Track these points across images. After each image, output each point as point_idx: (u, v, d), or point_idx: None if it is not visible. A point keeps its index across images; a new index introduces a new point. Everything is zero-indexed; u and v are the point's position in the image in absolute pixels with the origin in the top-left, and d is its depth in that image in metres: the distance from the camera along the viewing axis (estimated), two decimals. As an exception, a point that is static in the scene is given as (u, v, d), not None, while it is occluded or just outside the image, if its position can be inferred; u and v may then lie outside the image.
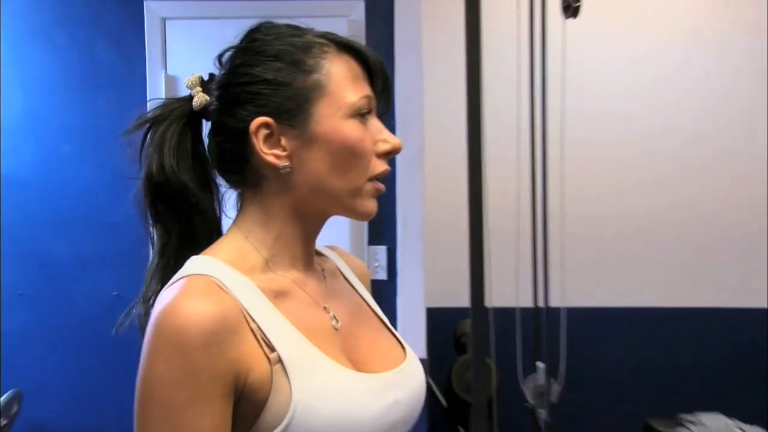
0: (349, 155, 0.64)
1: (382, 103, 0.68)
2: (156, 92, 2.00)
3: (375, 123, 0.67)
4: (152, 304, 0.63)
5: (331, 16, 1.88)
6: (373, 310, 0.76)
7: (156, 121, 0.67)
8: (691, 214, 2.45)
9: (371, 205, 0.67)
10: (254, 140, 0.64)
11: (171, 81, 2.02)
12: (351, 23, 1.91)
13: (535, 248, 1.66)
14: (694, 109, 2.47)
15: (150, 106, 0.69)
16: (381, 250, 1.95)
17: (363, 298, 0.77)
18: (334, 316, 0.68)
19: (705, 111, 2.48)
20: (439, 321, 2.13)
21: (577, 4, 1.59)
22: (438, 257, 2.09)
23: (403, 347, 0.73)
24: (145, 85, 2.01)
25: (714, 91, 2.50)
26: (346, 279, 0.77)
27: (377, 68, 0.67)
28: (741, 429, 1.82)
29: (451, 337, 2.44)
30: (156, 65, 2.02)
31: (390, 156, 0.67)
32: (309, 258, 0.69)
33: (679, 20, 2.49)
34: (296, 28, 0.66)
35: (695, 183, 2.46)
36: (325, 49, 0.65)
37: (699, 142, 2.47)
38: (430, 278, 1.94)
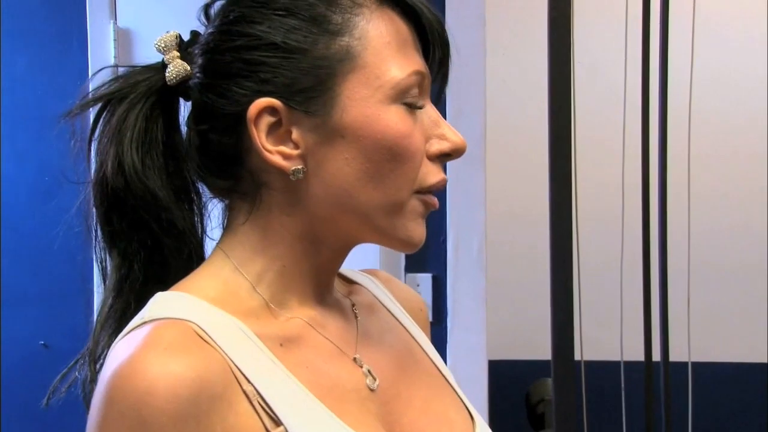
0: (389, 157, 0.61)
1: (437, 83, 0.66)
2: (102, 53, 1.96)
3: (429, 112, 0.64)
4: (102, 364, 0.62)
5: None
6: (431, 360, 0.75)
7: (113, 98, 0.65)
8: None
9: (418, 231, 0.65)
10: (253, 131, 0.61)
11: (124, 36, 1.98)
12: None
13: (648, 281, 1.63)
14: None
15: (101, 76, 0.67)
16: (424, 280, 1.93)
17: (416, 341, 0.76)
18: (369, 371, 0.66)
19: None
20: (504, 379, 2.11)
21: None
22: (504, 291, 2.08)
23: (471, 415, 0.73)
24: (86, 42, 1.95)
25: None
26: (392, 314, 0.76)
27: (436, 33, 0.64)
28: None
29: (521, 403, 2.37)
30: (101, 13, 1.96)
31: (449, 159, 0.65)
32: (328, 290, 0.69)
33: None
34: None
35: None
36: (360, 1, 0.62)
37: None
38: (492, 320, 1.93)
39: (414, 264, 1.91)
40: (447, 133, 0.64)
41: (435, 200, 0.65)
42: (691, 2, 1.67)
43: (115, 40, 1.95)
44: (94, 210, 0.66)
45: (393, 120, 0.61)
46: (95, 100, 0.66)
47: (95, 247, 0.67)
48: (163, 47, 0.65)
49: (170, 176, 0.66)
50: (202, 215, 0.69)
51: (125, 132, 0.64)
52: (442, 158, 0.65)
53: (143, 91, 0.65)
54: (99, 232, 0.66)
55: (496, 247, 2.01)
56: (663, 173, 1.62)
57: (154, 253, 0.66)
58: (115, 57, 1.95)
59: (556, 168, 1.41)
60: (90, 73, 2.00)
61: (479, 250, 1.88)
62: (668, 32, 1.61)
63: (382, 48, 0.61)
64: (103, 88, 0.66)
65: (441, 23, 0.65)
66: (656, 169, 1.62)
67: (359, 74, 0.61)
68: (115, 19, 1.97)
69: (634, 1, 1.62)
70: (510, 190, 2.16)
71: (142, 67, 0.67)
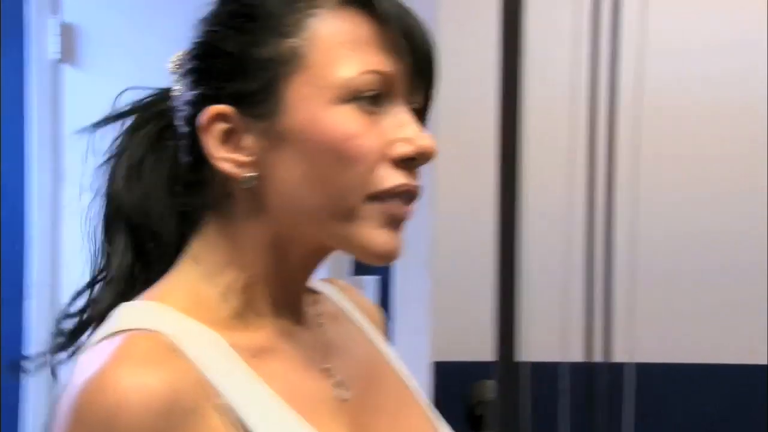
0: (334, 159, 0.59)
1: (419, 91, 0.64)
2: (42, 48, 1.93)
3: (396, 114, 0.62)
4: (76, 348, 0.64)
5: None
6: (397, 370, 0.76)
7: (126, 117, 0.69)
8: None
9: (379, 240, 0.61)
10: (205, 140, 0.61)
11: (68, 32, 1.92)
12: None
13: (591, 285, 1.71)
14: None
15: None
16: (369, 282, 1.95)
17: (381, 351, 0.76)
18: (340, 381, 0.67)
19: None
20: (449, 381, 2.12)
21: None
22: (450, 293, 2.12)
23: (436, 424, 0.74)
24: (25, 36, 1.91)
25: None
26: (356, 324, 0.76)
27: (410, 36, 0.62)
28: None
29: (461, 405, 2.42)
30: (42, 7, 1.92)
31: (416, 164, 0.62)
32: (298, 299, 0.69)
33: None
34: None
35: None
36: (319, 2, 0.61)
37: None
38: (438, 322, 1.98)
39: (360, 266, 1.89)
40: (412, 135, 0.61)
41: (401, 208, 0.62)
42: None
43: (59, 35, 1.91)
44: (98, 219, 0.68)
45: (339, 121, 0.59)
46: (110, 119, 0.68)
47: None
48: (173, 66, 0.66)
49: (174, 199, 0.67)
50: None
51: (124, 153, 0.67)
52: (408, 163, 0.61)
53: (152, 114, 0.68)
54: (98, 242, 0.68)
55: (443, 248, 2.03)
56: (610, 176, 1.68)
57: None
58: (58, 53, 1.92)
59: (504, 171, 1.45)
60: (30, 69, 2.01)
61: (426, 251, 1.89)
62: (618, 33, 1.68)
63: (332, 47, 0.60)
64: (121, 108, 0.68)
65: (416, 26, 0.62)
66: (604, 170, 1.69)
67: (305, 75, 0.60)
68: (58, 14, 1.92)
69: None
70: (459, 191, 2.19)
71: (157, 90, 0.69)
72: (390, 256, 0.62)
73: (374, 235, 0.61)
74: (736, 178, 2.63)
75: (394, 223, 0.62)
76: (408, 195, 0.62)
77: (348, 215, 0.60)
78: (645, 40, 1.83)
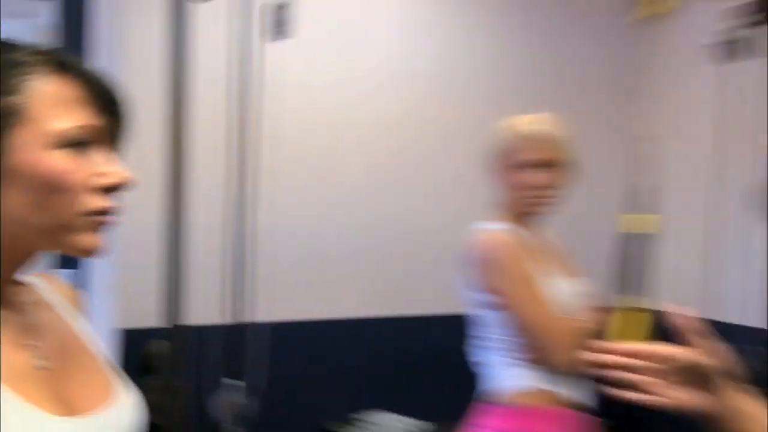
0: (49, 190, 0.71)
1: (116, 135, 0.78)
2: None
3: (98, 155, 0.75)
4: None
5: (17, 17, 2.16)
6: (88, 343, 0.86)
7: None
8: (391, 229, 3.24)
9: (89, 240, 0.75)
10: None
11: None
12: (39, 26, 2.23)
13: (232, 266, 2.25)
14: (394, 126, 3.25)
15: None
16: (69, 274, 2.23)
17: (75, 329, 0.86)
18: (42, 356, 0.76)
19: (406, 129, 3.27)
20: (132, 343, 2.34)
21: (283, 29, 2.20)
22: (130, 276, 2.42)
23: (118, 384, 0.85)
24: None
25: (411, 110, 3.27)
26: (55, 309, 0.86)
27: (108, 96, 0.76)
28: (400, 421, 2.70)
29: (141, 359, 2.65)
30: None
31: (117, 190, 0.76)
32: (7, 292, 0.78)
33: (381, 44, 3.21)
34: (6, 43, 0.74)
35: (384, 201, 3.24)
36: (37, 68, 0.72)
37: (400, 157, 3.26)
38: (123, 299, 2.30)
39: (65, 261, 2.16)
40: (107, 171, 0.74)
41: (106, 219, 0.75)
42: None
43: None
44: None
45: (54, 162, 0.71)
46: None
47: None
48: None
49: None
50: None
51: None
52: (109, 190, 0.75)
53: None
54: None
55: (126, 244, 2.33)
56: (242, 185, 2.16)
57: None
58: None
59: (173, 168, 1.68)
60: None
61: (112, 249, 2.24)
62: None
63: (49, 104, 0.71)
64: None
65: (113, 90, 0.76)
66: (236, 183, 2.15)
67: (27, 126, 0.70)
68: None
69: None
70: (149, 178, 2.35)
71: None
72: (97, 252, 0.76)
73: (85, 239, 0.74)
74: (355, 177, 3.10)
75: (98, 230, 0.75)
76: (106, 212, 0.75)
77: (66, 228, 0.73)
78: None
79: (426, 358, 3.22)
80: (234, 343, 2.30)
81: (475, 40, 3.36)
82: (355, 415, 2.71)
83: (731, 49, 2.63)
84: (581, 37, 3.43)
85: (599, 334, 1.73)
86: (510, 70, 3.40)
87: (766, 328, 2.57)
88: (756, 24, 2.59)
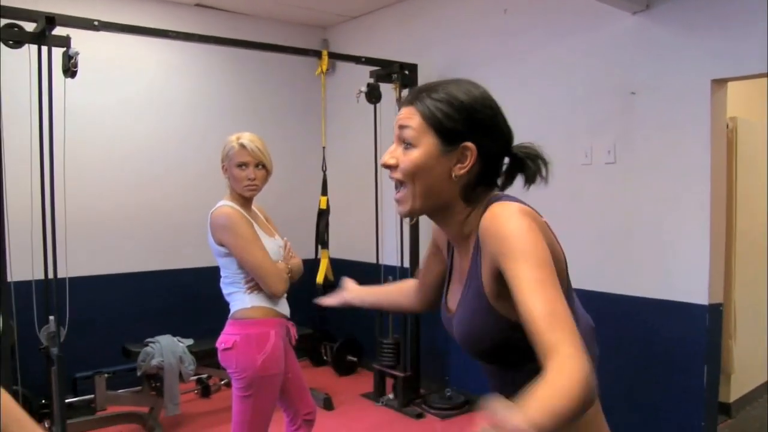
0: None
1: None
2: None
3: None
4: None
5: None
6: None
7: None
8: (162, 207, 4.54)
9: None
10: None
11: None
12: None
13: (45, 235, 3.10)
14: (159, 136, 4.53)
15: None
16: None
17: None
18: None
19: (167, 138, 4.55)
20: None
21: (75, 69, 3.14)
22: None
23: None
24: None
25: (170, 126, 4.59)
26: None
27: None
28: (180, 340, 3.74)
29: None
30: None
31: None
32: None
33: (146, 74, 4.47)
34: None
35: (157, 188, 4.52)
36: None
37: (163, 158, 4.55)
38: None
39: None
40: None
41: None
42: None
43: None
44: None
45: None
46: None
47: None
48: None
49: None
50: None
51: None
52: None
53: None
54: None
55: None
56: (52, 180, 3.17)
57: None
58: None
59: None
60: None
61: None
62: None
63: None
64: None
65: None
66: (48, 178, 3.13)
67: None
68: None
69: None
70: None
71: None
72: None
73: None
74: (133, 171, 4.33)
75: None
76: None
77: None
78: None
79: (192, 297, 4.49)
80: (46, 293, 3.16)
81: (211, 79, 4.83)
82: (147, 339, 3.76)
83: (373, 94, 4.21)
84: (287, 82, 5.13)
85: (299, 272, 2.43)
86: (237, 100, 4.94)
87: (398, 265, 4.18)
88: (384, 80, 4.21)
